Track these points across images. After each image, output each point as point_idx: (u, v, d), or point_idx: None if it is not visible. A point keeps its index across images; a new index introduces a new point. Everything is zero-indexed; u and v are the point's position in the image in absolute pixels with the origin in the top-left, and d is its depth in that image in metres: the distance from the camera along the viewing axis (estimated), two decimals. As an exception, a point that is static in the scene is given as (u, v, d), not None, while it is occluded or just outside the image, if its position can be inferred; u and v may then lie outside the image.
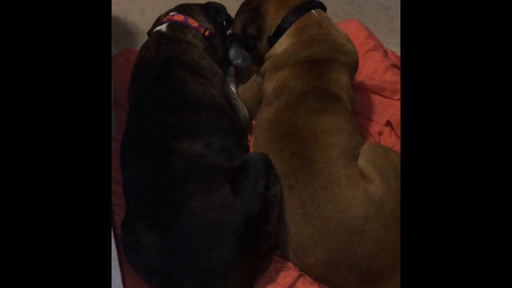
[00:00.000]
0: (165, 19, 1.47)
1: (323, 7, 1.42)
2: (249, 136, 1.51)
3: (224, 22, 1.58)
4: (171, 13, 1.48)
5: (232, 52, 1.55)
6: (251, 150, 1.39)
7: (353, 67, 1.38)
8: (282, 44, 1.35)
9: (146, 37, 1.53)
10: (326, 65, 1.29)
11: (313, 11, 1.37)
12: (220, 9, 1.57)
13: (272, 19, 1.38)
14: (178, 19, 1.44)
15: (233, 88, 1.56)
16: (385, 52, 1.81)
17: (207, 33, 1.47)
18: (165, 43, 1.35)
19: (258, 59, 1.48)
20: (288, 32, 1.35)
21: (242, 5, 1.47)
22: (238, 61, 1.56)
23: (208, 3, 1.59)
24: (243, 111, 1.48)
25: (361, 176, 1.13)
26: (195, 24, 1.45)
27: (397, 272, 1.07)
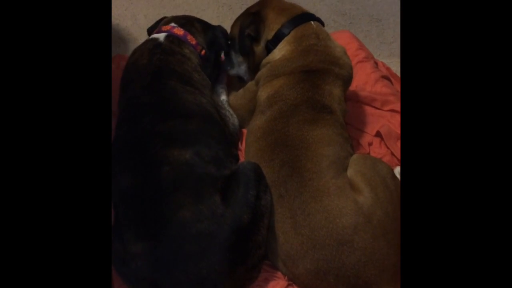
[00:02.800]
0: (164, 28, 1.46)
1: (321, 22, 1.44)
2: (239, 144, 1.51)
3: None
4: (172, 24, 1.47)
5: (227, 60, 1.56)
6: (242, 158, 1.39)
7: (347, 81, 1.39)
8: (281, 50, 1.37)
9: (138, 44, 1.52)
10: (321, 76, 1.30)
11: (312, 22, 1.39)
12: (218, 38, 1.52)
13: (271, 23, 1.39)
14: (178, 33, 1.43)
15: (223, 97, 1.56)
16: (376, 63, 1.82)
17: (203, 52, 1.47)
18: (160, 53, 1.35)
19: (254, 67, 1.48)
20: (287, 38, 1.37)
21: (243, 12, 1.48)
22: (233, 70, 1.57)
23: (209, 28, 1.56)
24: (233, 120, 1.48)
25: (350, 186, 1.14)
26: (193, 41, 1.45)
27: (384, 282, 1.08)
